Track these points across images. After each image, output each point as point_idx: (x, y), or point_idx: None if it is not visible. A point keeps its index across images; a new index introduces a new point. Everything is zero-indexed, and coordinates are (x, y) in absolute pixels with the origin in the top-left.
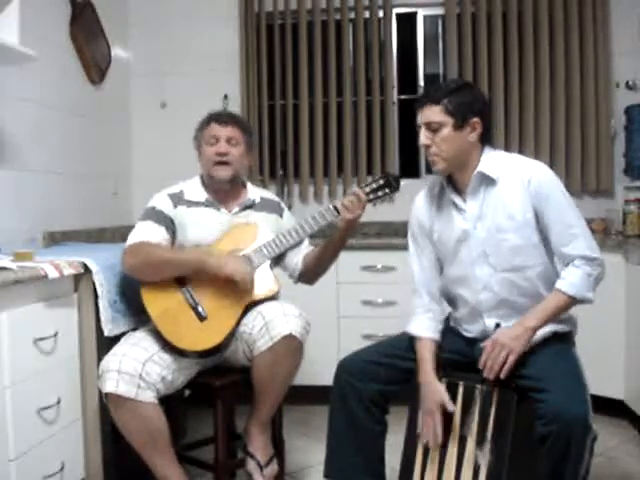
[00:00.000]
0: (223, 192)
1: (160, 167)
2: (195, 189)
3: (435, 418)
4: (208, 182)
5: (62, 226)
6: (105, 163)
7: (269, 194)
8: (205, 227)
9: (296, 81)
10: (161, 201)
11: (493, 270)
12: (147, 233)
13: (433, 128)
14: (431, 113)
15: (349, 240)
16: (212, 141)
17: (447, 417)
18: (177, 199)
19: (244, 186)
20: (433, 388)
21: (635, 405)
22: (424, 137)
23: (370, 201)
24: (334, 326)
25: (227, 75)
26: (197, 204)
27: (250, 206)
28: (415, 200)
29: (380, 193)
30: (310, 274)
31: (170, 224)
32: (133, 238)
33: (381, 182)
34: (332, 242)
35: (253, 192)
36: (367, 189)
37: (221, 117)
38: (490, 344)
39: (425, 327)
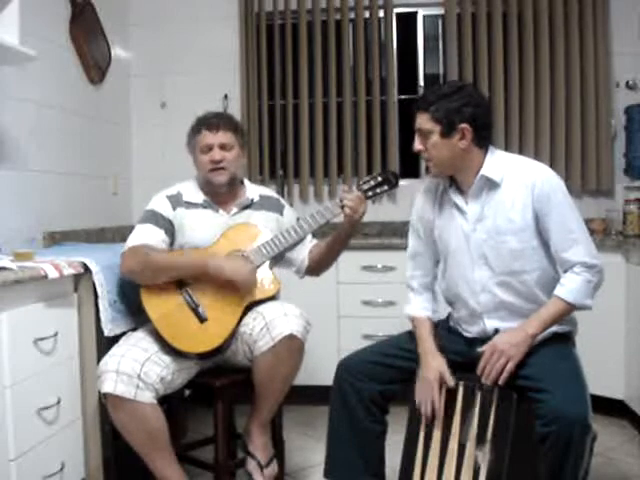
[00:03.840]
0: (221, 194)
1: (160, 167)
2: (192, 191)
3: (434, 388)
4: (205, 185)
5: (62, 226)
6: (105, 163)
7: (268, 191)
8: (203, 229)
9: (296, 81)
10: (160, 203)
11: (492, 272)
12: (146, 236)
13: (423, 134)
14: (421, 120)
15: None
16: (205, 150)
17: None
18: (176, 201)
19: (242, 185)
20: (433, 357)
21: (635, 405)
22: (417, 143)
23: (369, 198)
24: (334, 326)
25: (227, 75)
26: (195, 205)
27: (248, 206)
28: (417, 197)
29: (378, 190)
30: (317, 268)
31: (169, 227)
32: (132, 241)
33: (379, 179)
34: (339, 240)
35: (252, 191)
36: (365, 187)
37: (211, 122)
38: (489, 349)
39: (421, 307)
